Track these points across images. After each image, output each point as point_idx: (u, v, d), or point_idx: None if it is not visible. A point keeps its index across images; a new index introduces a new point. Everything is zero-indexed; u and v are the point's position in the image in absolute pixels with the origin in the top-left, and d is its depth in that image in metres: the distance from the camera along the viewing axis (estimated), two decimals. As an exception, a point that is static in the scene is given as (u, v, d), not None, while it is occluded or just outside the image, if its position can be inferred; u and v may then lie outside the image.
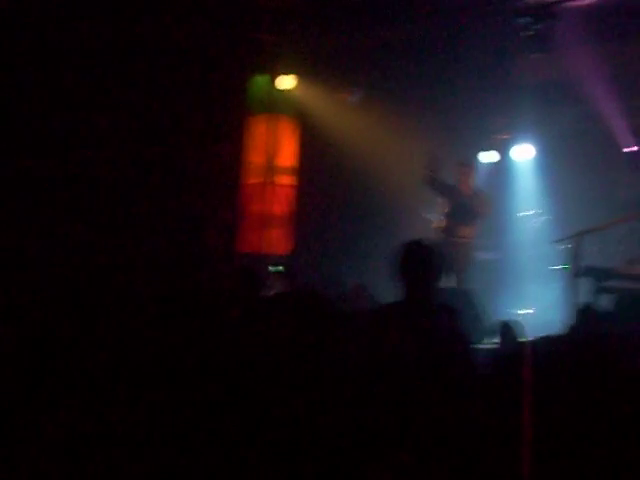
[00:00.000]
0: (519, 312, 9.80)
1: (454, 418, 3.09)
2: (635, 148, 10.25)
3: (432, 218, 10.05)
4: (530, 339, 3.04)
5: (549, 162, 11.05)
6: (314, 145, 11.06)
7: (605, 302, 7.27)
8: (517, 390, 3.05)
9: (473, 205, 9.26)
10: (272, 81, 10.75)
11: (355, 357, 3.42)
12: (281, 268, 5.92)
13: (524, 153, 11.57)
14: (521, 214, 10.86)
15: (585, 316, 3.29)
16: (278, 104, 10.97)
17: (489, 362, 3.57)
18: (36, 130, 8.72)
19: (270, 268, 6.23)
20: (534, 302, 9.90)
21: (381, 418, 3.18)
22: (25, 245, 7.74)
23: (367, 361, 3.41)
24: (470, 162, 9.75)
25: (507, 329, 4.08)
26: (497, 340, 4.29)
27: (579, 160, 10.53)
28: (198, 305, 4.48)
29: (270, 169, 11.02)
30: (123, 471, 3.27)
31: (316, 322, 3.92)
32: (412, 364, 3.29)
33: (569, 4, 9.16)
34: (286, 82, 10.62)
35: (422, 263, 3.57)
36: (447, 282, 8.88)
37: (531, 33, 9.12)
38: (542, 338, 3.36)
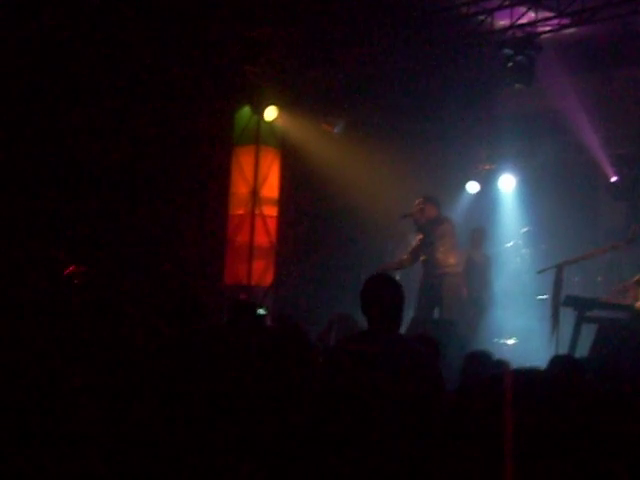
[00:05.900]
0: (502, 341, 9.80)
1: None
2: (615, 178, 10.31)
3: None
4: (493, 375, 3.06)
5: (531, 193, 11.10)
6: (296, 176, 11.09)
7: (586, 331, 7.32)
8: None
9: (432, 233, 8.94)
10: (256, 112, 10.82)
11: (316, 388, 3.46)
12: (262, 311, 5.79)
13: (507, 183, 11.63)
14: (504, 245, 10.86)
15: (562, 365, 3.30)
16: (262, 135, 11.03)
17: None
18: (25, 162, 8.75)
19: (260, 311, 6.13)
20: (517, 332, 9.88)
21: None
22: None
23: (325, 393, 3.44)
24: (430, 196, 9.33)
25: (470, 362, 4.09)
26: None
27: (560, 191, 10.58)
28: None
29: (255, 200, 11.05)
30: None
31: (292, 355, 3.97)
32: (367, 394, 3.32)
33: (550, 36, 9.28)
34: (270, 113, 10.69)
35: (380, 295, 3.62)
36: (433, 314, 8.89)
37: (512, 65, 9.20)
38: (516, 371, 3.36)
